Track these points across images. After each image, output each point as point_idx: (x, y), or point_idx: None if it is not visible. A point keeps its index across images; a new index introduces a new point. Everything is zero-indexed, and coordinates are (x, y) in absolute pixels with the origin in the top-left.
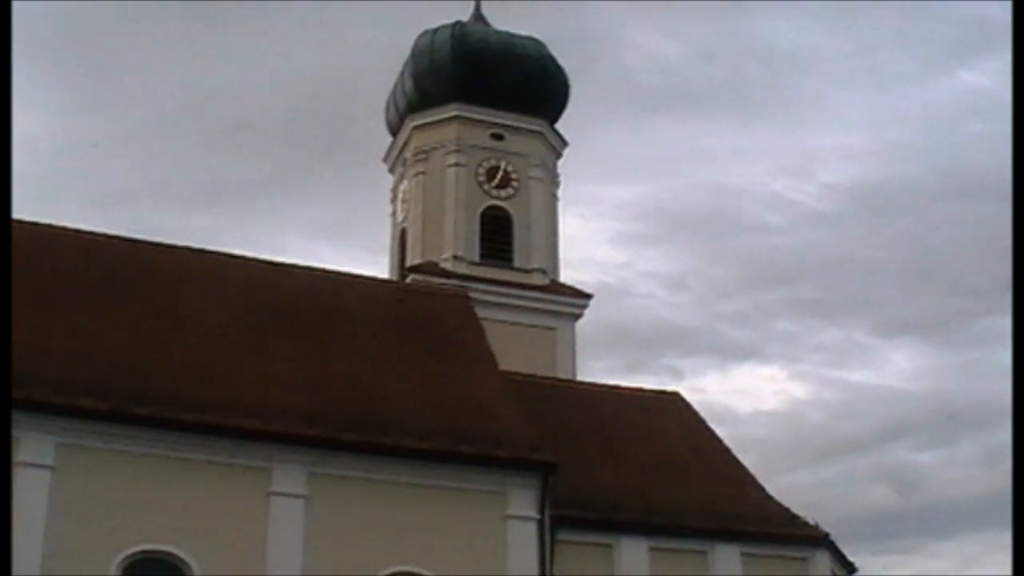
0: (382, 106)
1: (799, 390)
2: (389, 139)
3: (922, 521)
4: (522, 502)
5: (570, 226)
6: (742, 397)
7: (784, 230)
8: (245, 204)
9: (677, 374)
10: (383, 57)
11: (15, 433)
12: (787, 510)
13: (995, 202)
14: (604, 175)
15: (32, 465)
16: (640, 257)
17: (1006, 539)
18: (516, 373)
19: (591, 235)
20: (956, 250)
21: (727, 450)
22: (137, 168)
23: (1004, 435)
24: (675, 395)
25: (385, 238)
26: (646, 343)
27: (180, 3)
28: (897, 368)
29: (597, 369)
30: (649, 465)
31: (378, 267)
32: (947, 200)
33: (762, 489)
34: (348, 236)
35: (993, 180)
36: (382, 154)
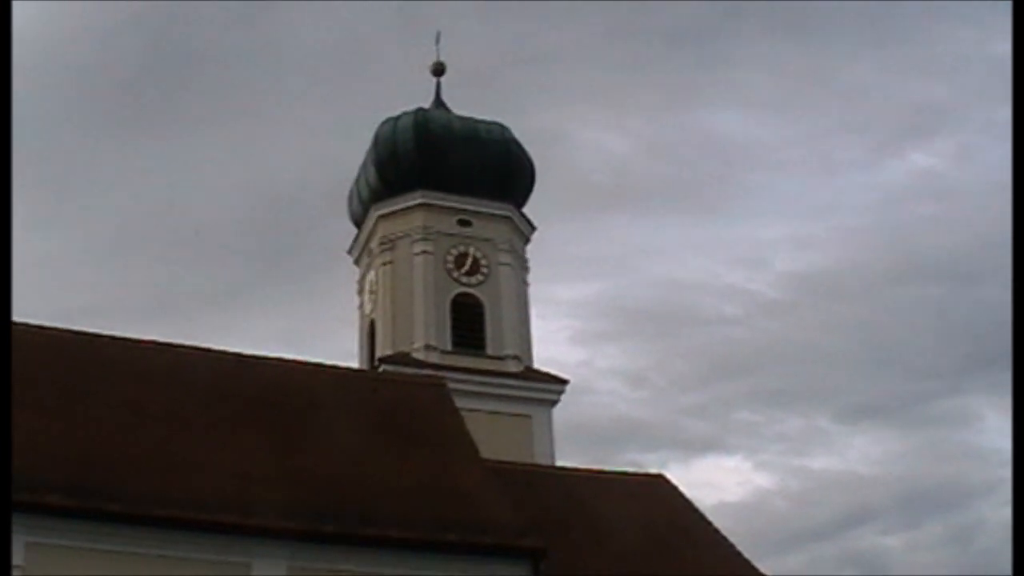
0: (343, 201)
1: (763, 480)
2: (353, 232)
3: None
4: None
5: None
6: (706, 489)
7: (741, 321)
8: (203, 316)
9: (640, 469)
10: (341, 152)
11: None
12: None
13: (949, 283)
14: (560, 274)
15: None
16: (600, 354)
17: None
18: (497, 460)
19: (551, 334)
20: (912, 333)
21: (716, 531)
22: (94, 283)
23: (968, 514)
24: (660, 477)
25: (349, 341)
26: (608, 440)
27: (131, 115)
28: (860, 453)
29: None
30: (638, 549)
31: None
32: (901, 283)
33: (755, 569)
34: (311, 342)
35: (946, 261)
36: (346, 248)
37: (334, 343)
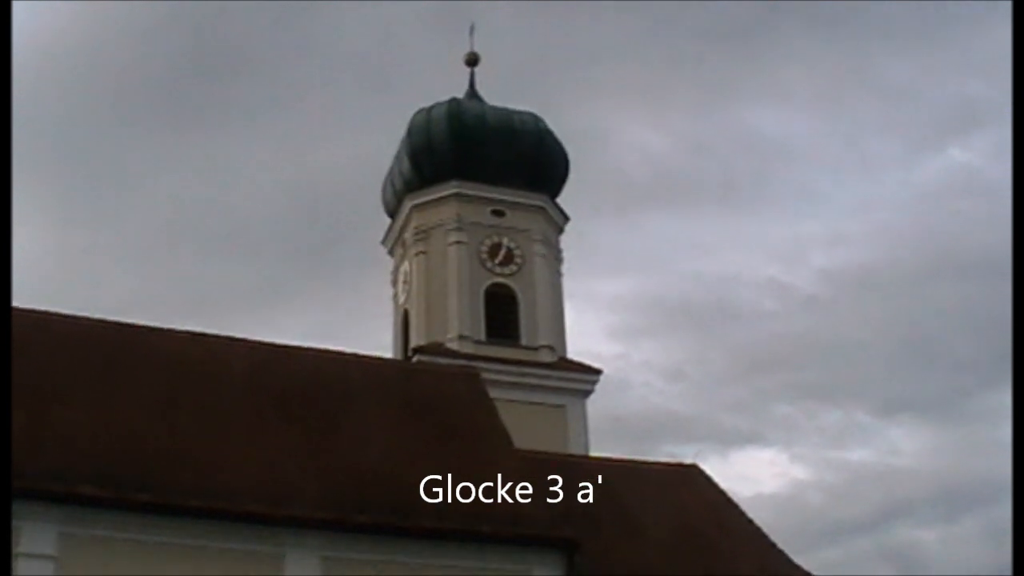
0: (376, 196)
1: (800, 472)
2: (387, 222)
3: None
4: None
5: (567, 319)
6: (743, 482)
7: (779, 316)
8: (239, 310)
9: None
10: (375, 142)
11: (15, 523)
12: None
13: (986, 278)
14: (598, 268)
15: (33, 556)
16: (637, 348)
17: None
18: (530, 451)
19: (587, 328)
20: (950, 327)
21: (751, 522)
22: (130, 280)
23: (1005, 510)
24: (693, 467)
25: (383, 332)
26: (645, 433)
27: (170, 113)
28: (897, 447)
29: None
30: (672, 540)
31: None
32: (939, 278)
33: (790, 560)
34: (345, 333)
35: (983, 256)
36: (380, 239)
37: (368, 334)
